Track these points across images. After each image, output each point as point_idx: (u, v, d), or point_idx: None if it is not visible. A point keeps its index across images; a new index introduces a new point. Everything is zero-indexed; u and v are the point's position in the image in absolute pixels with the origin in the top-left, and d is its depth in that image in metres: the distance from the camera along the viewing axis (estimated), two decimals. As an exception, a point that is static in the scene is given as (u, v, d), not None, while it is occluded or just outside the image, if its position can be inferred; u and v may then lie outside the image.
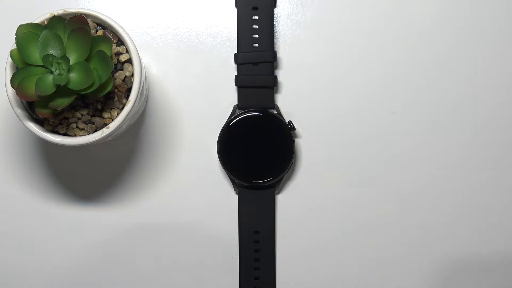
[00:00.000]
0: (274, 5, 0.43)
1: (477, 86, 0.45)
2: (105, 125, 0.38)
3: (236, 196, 0.44)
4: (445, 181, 0.44)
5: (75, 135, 0.38)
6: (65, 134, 0.38)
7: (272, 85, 0.43)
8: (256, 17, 0.43)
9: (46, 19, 0.38)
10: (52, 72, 0.36)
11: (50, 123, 0.38)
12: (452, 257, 0.44)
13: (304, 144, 0.44)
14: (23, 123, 0.38)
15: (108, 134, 0.37)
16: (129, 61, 0.39)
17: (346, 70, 0.45)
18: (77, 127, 0.38)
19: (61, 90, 0.36)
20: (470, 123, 0.44)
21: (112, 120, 0.38)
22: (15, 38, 0.36)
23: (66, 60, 0.35)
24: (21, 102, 0.38)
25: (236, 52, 0.43)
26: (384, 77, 0.45)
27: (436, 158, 0.44)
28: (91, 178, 0.45)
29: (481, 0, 0.45)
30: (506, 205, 0.44)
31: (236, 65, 0.44)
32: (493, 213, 0.44)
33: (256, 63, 0.43)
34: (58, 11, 0.38)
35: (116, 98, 0.38)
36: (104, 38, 0.37)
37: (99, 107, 0.38)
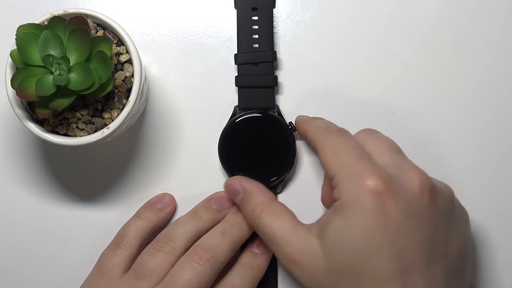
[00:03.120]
0: (274, 5, 0.43)
1: (479, 86, 0.45)
2: (105, 125, 0.38)
3: (236, 196, 0.44)
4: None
5: (75, 136, 0.38)
6: (65, 135, 0.38)
7: (272, 85, 0.43)
8: (256, 18, 0.43)
9: (46, 20, 0.38)
10: (52, 73, 0.36)
11: (50, 123, 0.38)
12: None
13: (304, 144, 0.44)
14: (23, 123, 0.38)
15: (108, 134, 0.37)
16: (129, 61, 0.39)
17: (346, 70, 0.45)
18: (77, 127, 0.38)
19: (61, 90, 0.36)
20: (471, 123, 0.44)
21: (112, 120, 0.38)
22: (15, 39, 0.36)
23: (66, 60, 0.35)
24: (21, 102, 0.38)
25: (236, 52, 0.43)
26: (384, 77, 0.45)
27: (437, 159, 0.44)
28: (91, 178, 0.45)
29: (481, 0, 0.45)
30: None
31: (236, 65, 0.44)
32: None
33: (256, 63, 0.43)
34: (58, 11, 0.38)
35: (116, 98, 0.38)
36: (104, 38, 0.37)
37: (99, 107, 0.38)
